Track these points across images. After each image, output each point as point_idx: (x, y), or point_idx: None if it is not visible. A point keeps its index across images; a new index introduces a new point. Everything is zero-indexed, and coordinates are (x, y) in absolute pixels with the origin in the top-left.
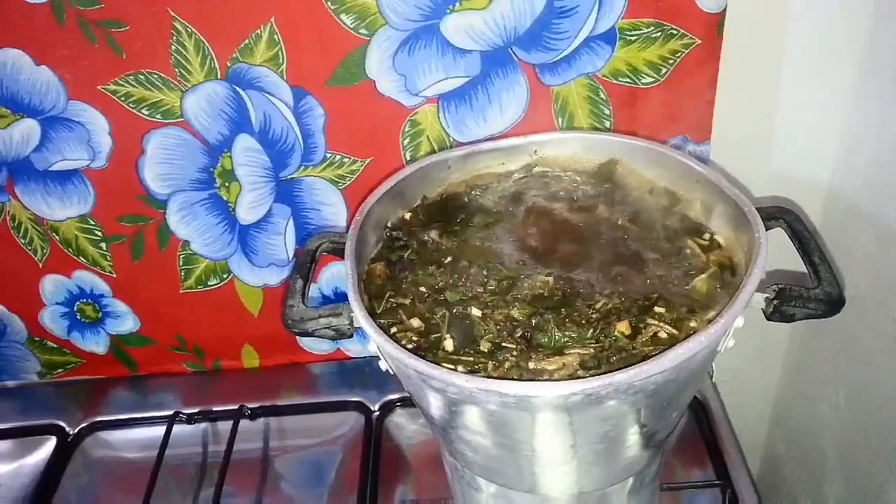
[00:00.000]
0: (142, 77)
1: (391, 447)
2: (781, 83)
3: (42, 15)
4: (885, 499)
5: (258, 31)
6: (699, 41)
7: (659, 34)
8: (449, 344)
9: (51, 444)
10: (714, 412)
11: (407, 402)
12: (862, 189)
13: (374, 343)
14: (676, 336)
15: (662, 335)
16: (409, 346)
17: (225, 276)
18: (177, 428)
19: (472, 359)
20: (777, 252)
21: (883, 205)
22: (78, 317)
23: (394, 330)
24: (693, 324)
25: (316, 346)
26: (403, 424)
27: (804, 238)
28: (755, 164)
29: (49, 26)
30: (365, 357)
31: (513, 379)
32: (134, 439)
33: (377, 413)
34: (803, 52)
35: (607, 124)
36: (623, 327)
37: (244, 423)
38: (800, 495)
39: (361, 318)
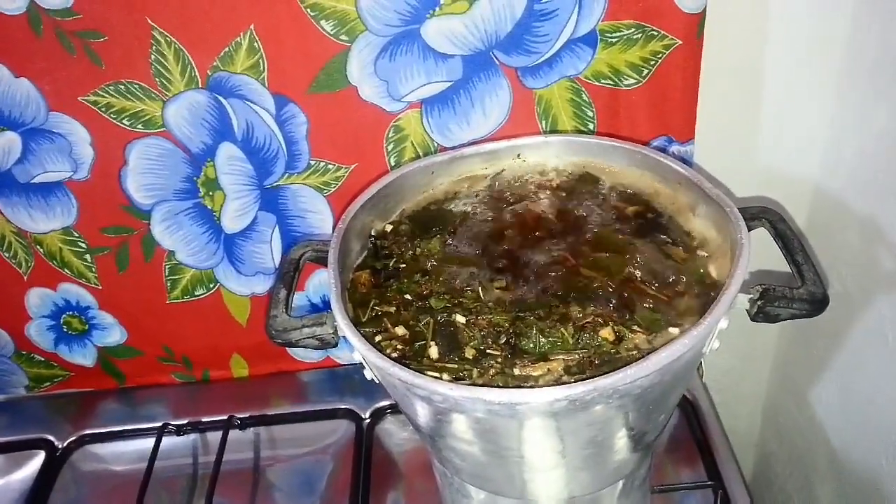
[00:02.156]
0: (122, 87)
1: (382, 455)
2: (764, 81)
3: (19, 26)
4: (876, 495)
5: (238, 39)
6: (680, 41)
7: (639, 35)
8: (434, 351)
9: (39, 458)
10: (705, 412)
11: (397, 409)
12: (848, 186)
13: (358, 352)
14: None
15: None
16: (394, 355)
17: (212, 285)
18: (166, 440)
19: (456, 366)
20: (761, 252)
21: (869, 201)
22: (64, 329)
23: (378, 338)
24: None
25: (305, 355)
26: (394, 431)
27: (787, 238)
28: (740, 163)
29: (26, 38)
30: (354, 364)
31: (497, 386)
32: (123, 452)
33: (368, 420)
34: (785, 49)
35: (591, 126)
36: (606, 333)
37: (234, 434)
38: (793, 492)
39: (345, 328)
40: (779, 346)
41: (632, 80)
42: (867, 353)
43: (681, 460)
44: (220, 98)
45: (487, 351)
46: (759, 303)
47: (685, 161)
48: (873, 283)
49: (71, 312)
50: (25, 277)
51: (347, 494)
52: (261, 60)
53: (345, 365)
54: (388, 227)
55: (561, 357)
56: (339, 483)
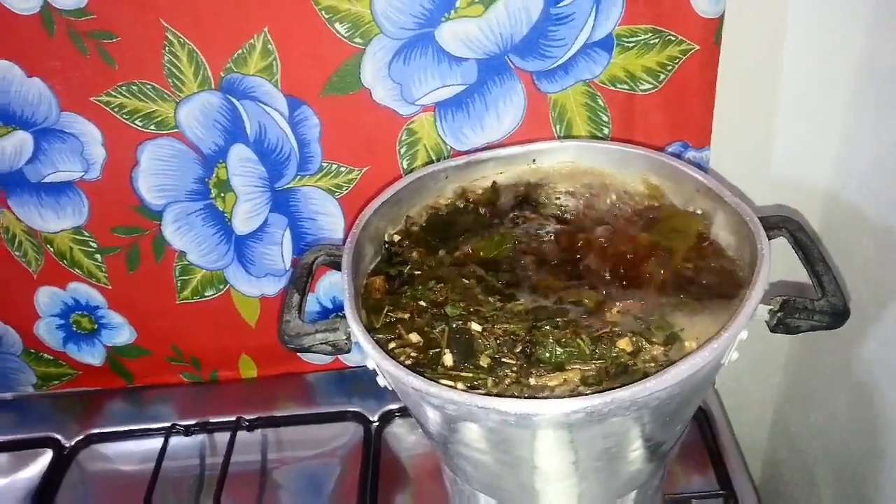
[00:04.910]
0: (135, 88)
1: (390, 458)
2: (780, 88)
3: (31, 26)
4: None
5: (252, 41)
6: (697, 47)
7: (657, 40)
8: (448, 359)
9: (47, 457)
10: (717, 420)
11: (406, 413)
12: (862, 193)
13: (371, 359)
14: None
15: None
16: (408, 362)
17: (221, 286)
18: (174, 440)
19: (471, 375)
20: (778, 260)
21: (883, 209)
22: (73, 328)
23: (392, 345)
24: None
25: (314, 357)
26: (403, 435)
27: (807, 248)
28: (755, 170)
29: (39, 37)
30: (363, 367)
31: (513, 396)
32: (131, 452)
33: (376, 423)
34: (802, 56)
35: (606, 131)
36: (624, 344)
37: (242, 435)
38: (800, 499)
39: (359, 334)
40: (790, 353)
41: (648, 86)
42: (879, 362)
43: (692, 468)
44: (233, 99)
45: (503, 359)
46: (778, 314)
47: (701, 167)
48: (886, 292)
49: (80, 312)
50: (35, 276)
51: (355, 498)
52: (274, 62)
53: (353, 367)
54: (402, 232)
55: (577, 367)
56: (347, 486)
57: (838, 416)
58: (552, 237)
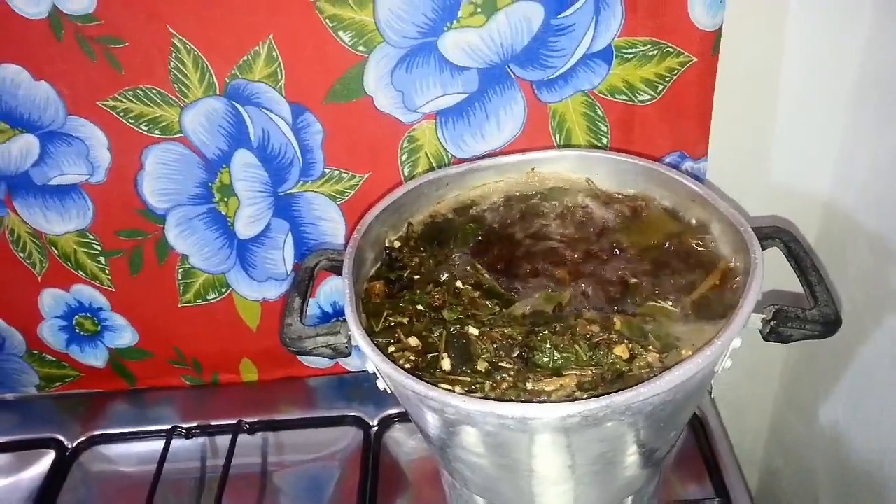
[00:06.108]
0: (141, 93)
1: (389, 462)
2: (778, 99)
3: (40, 31)
4: None
5: (257, 48)
6: (695, 59)
7: (655, 52)
8: (446, 363)
9: (49, 457)
10: (713, 428)
11: (406, 418)
12: (859, 204)
13: (371, 363)
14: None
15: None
16: (407, 366)
17: (223, 290)
18: (175, 442)
19: (469, 379)
20: (773, 271)
21: (880, 219)
22: (76, 330)
23: (391, 349)
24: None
25: (314, 361)
26: (402, 440)
27: (800, 258)
28: (752, 180)
29: (47, 42)
30: (363, 371)
31: (510, 400)
32: (132, 453)
33: (376, 428)
34: (800, 67)
35: (604, 141)
36: (620, 350)
37: (242, 438)
38: None
39: (359, 337)
40: (786, 362)
41: (646, 96)
42: (875, 371)
43: (688, 475)
44: (238, 105)
45: (500, 364)
46: (771, 323)
47: (698, 178)
48: (883, 301)
49: (83, 314)
50: (39, 278)
51: (354, 502)
52: (279, 69)
53: (354, 372)
54: (403, 239)
55: (574, 373)
56: (346, 490)
57: (835, 424)
58: (549, 246)
